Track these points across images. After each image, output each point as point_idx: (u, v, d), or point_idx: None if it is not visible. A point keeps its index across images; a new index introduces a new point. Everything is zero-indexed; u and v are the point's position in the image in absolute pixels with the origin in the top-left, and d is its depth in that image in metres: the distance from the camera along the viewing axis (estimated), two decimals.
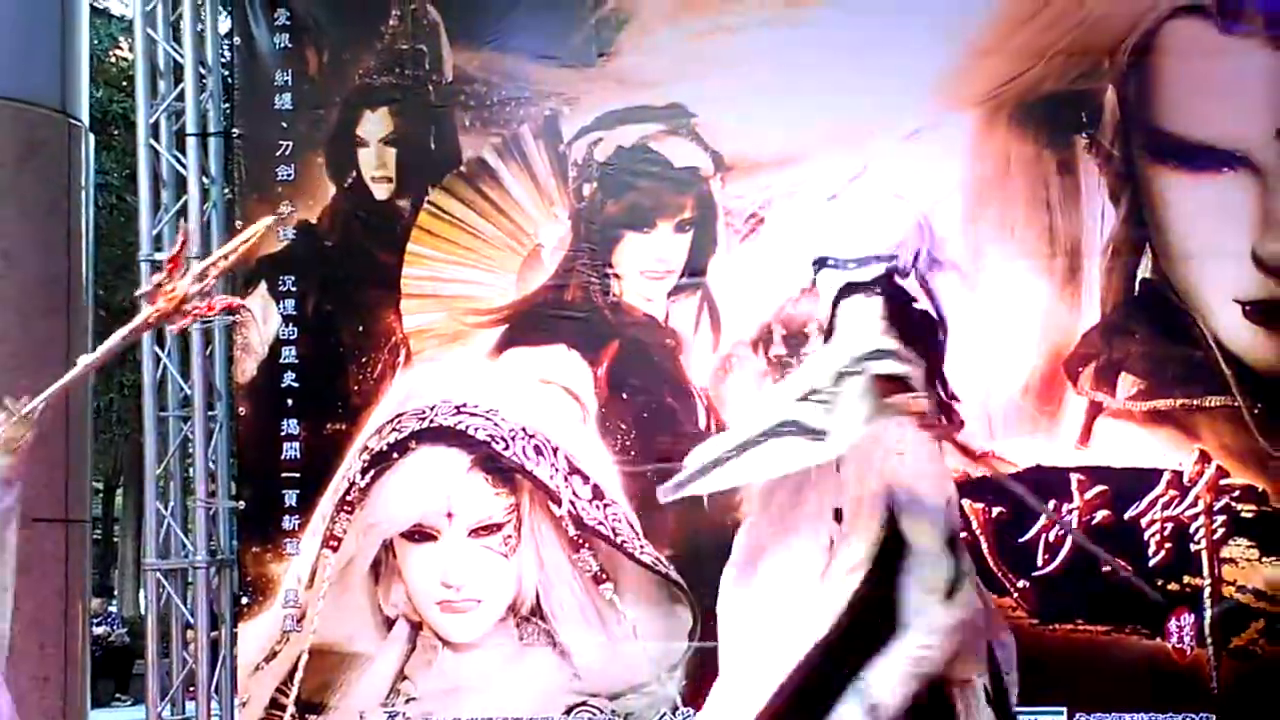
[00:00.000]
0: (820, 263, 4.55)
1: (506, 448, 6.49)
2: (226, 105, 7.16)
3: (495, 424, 6.51)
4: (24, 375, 6.16)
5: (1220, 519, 6.09)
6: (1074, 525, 6.07)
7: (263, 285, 6.77)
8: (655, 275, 6.55)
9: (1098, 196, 6.27)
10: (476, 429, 6.52)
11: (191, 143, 6.98)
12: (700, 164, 6.53)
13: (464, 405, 6.56)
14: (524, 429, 6.49)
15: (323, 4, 6.88)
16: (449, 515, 6.53)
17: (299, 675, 6.55)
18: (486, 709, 6.46)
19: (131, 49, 8.36)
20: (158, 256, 6.93)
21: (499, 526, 6.50)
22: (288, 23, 6.87)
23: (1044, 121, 6.30)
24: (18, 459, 4.33)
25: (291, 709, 6.55)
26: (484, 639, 6.52)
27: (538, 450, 6.48)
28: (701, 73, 6.50)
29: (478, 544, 6.52)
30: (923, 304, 4.60)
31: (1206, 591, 6.09)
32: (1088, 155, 6.29)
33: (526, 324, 6.60)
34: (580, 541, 6.43)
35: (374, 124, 6.82)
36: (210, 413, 6.93)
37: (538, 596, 6.48)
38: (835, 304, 4.49)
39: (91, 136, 6.93)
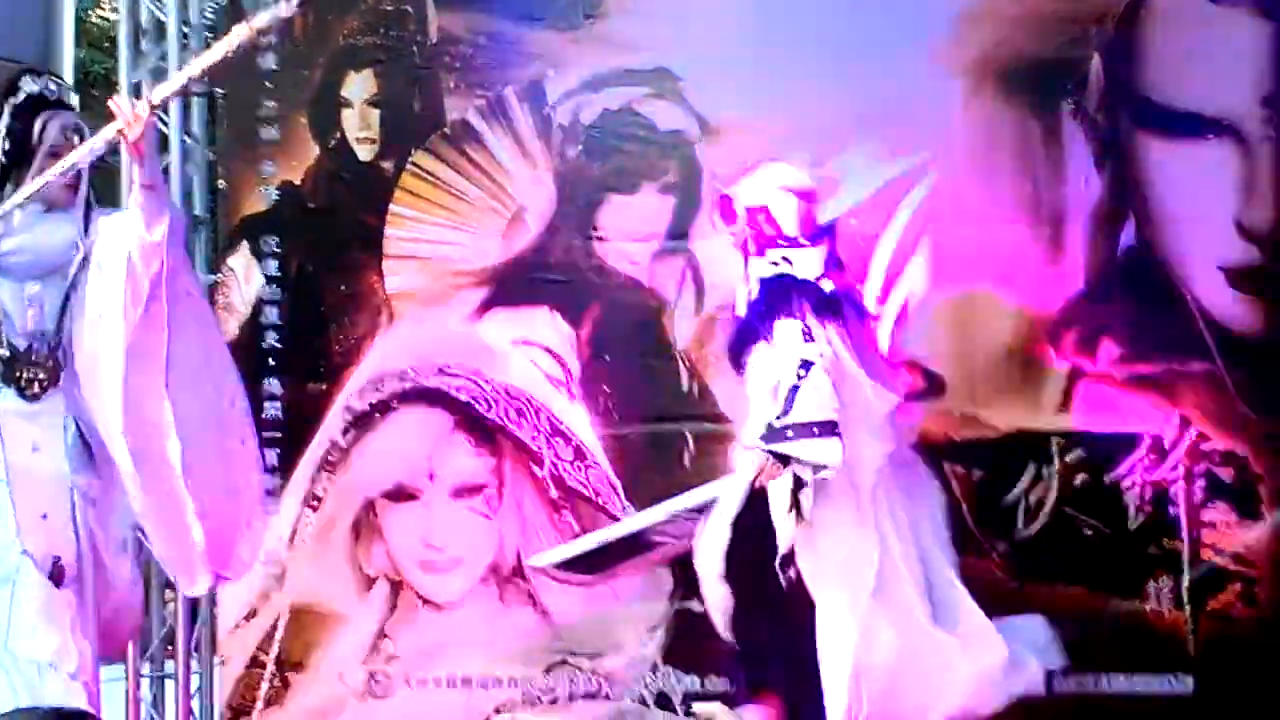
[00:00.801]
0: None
1: (489, 409, 6.49)
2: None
3: (478, 385, 6.51)
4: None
5: (1200, 483, 6.14)
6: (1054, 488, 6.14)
7: (245, 245, 6.74)
8: (639, 238, 6.55)
9: (1082, 164, 6.27)
10: (459, 390, 6.52)
11: (174, 103, 6.95)
12: (685, 127, 6.52)
13: (446, 366, 6.56)
14: (506, 390, 6.49)
15: None
16: (431, 476, 6.52)
17: (279, 634, 6.54)
18: (467, 668, 6.45)
19: (114, 9, 8.32)
20: None
21: (481, 488, 6.51)
22: None
23: (1029, 89, 6.30)
24: None
25: (271, 668, 6.54)
26: (465, 599, 6.53)
27: (520, 412, 6.49)
28: (689, 36, 6.48)
29: (460, 505, 6.53)
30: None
31: (1185, 555, 6.14)
32: (1073, 123, 6.28)
33: (509, 286, 6.60)
34: (562, 503, 6.44)
35: (358, 85, 6.79)
36: None
37: (519, 557, 6.49)
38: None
39: (75, 96, 6.89)
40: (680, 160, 6.53)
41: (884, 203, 6.37)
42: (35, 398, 4.64)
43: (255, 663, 6.57)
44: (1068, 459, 6.17)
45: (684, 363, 6.46)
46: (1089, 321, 6.22)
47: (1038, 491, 6.16)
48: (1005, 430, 6.19)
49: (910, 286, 6.30)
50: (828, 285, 5.17)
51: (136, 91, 6.93)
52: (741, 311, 5.35)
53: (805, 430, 4.88)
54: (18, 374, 4.62)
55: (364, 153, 6.76)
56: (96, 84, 8.44)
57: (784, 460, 4.93)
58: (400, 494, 6.55)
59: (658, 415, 6.47)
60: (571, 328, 6.52)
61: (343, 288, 6.69)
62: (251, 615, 6.58)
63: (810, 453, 4.87)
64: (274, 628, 6.55)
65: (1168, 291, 6.20)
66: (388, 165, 6.73)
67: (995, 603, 6.03)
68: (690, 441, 6.39)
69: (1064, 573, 6.11)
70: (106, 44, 9.15)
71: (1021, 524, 6.17)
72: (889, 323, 6.28)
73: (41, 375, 4.62)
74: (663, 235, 6.52)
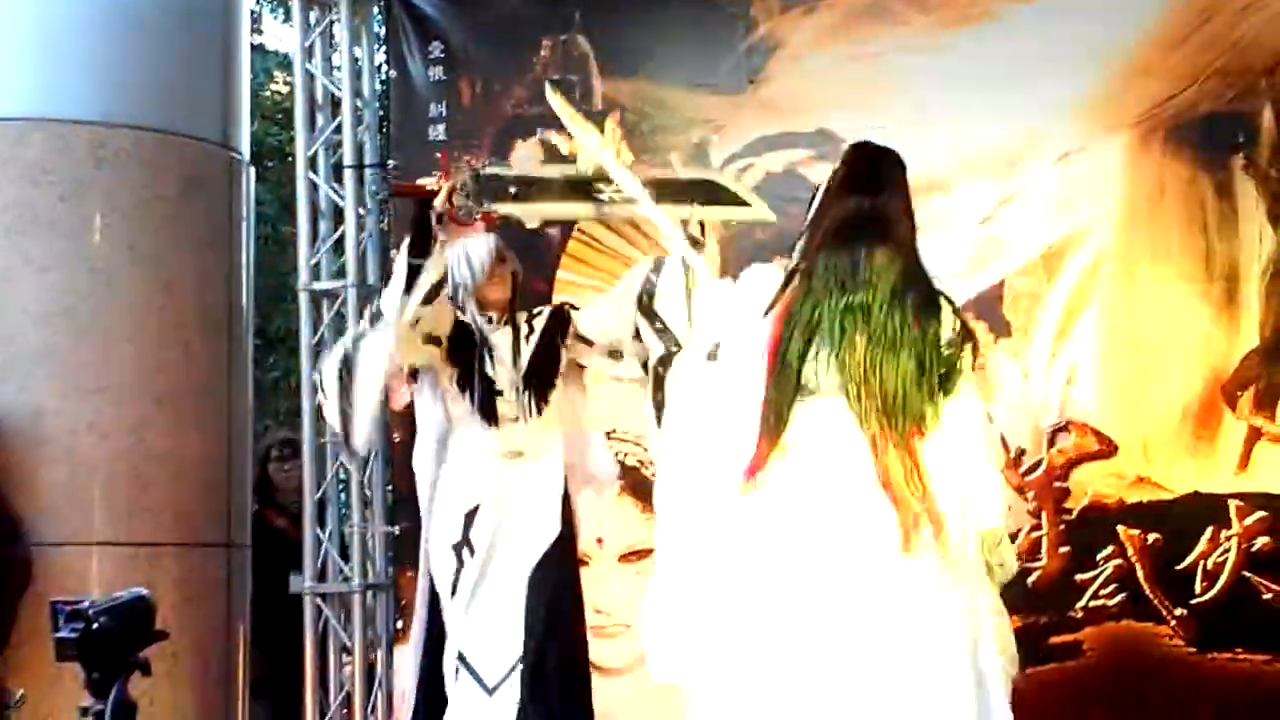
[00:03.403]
0: None
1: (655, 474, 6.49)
2: (381, 137, 7.31)
3: (644, 449, 6.53)
4: (186, 404, 6.35)
5: None
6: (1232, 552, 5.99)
7: None
8: None
9: (1255, 218, 6.14)
10: (625, 454, 6.55)
11: (349, 175, 7.11)
12: None
13: (613, 431, 6.58)
14: None
15: (476, 37, 6.97)
16: (599, 540, 6.55)
17: None
18: None
19: (286, 83, 8.55)
20: (316, 286, 7.07)
21: (648, 552, 6.52)
22: (442, 55, 6.98)
23: (1199, 143, 6.19)
24: None
25: None
26: (633, 664, 6.53)
27: None
28: (851, 98, 6.48)
29: (628, 569, 6.55)
30: None
31: None
32: (1245, 176, 6.15)
33: None
34: None
35: (524, 154, 6.88)
36: None
37: None
38: None
39: (252, 169, 7.08)
40: None
41: (1051, 261, 6.30)
42: None
43: None
44: (1246, 522, 6.01)
45: None
46: (1266, 379, 6.07)
47: (1216, 556, 6.02)
48: (1181, 492, 6.07)
49: (1079, 347, 6.22)
50: None
51: (313, 164, 7.12)
52: None
53: None
54: None
55: (531, 220, 6.84)
56: (270, 156, 8.68)
57: None
58: None
59: None
60: None
61: None
62: None
63: None
64: None
65: None
66: (554, 232, 6.80)
67: (1173, 671, 5.94)
68: None
69: (1244, 640, 5.96)
70: (279, 116, 9.42)
71: (1199, 589, 6.03)
72: (1058, 384, 6.21)
73: None
74: None
